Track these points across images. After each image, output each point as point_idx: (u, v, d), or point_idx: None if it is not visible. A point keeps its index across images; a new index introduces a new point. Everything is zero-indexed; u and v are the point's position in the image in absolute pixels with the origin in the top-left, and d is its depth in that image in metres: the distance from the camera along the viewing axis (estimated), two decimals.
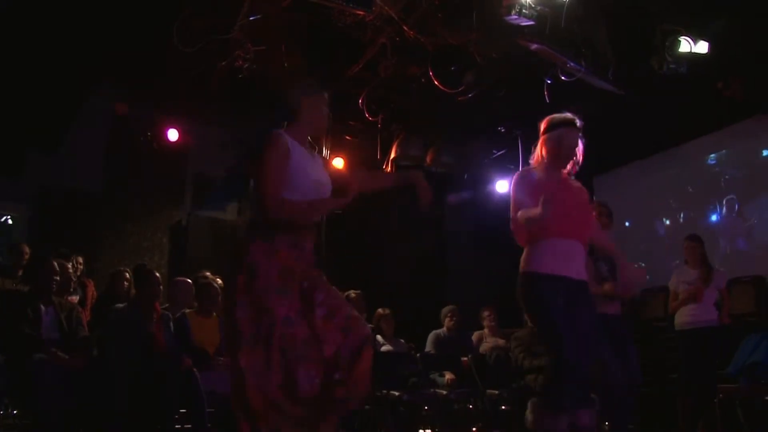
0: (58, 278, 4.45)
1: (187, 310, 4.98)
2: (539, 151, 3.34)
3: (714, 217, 7.08)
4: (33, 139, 6.66)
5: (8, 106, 5.98)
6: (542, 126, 3.35)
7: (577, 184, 3.38)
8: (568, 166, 3.33)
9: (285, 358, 2.46)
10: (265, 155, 2.56)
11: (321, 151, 3.02)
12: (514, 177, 3.33)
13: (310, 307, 2.57)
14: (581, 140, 3.32)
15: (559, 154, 3.27)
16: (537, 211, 2.95)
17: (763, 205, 6.56)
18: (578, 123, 3.33)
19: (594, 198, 6.74)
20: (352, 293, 5.87)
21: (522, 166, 7.53)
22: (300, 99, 2.75)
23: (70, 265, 5.36)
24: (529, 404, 3.19)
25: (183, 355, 4.48)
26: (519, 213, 3.13)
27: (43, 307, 4.28)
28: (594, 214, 3.40)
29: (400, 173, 2.83)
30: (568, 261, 3.12)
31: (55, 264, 4.49)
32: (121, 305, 4.74)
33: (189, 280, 5.31)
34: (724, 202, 6.97)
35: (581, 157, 3.34)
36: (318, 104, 2.79)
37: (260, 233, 2.57)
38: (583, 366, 3.02)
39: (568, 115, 3.33)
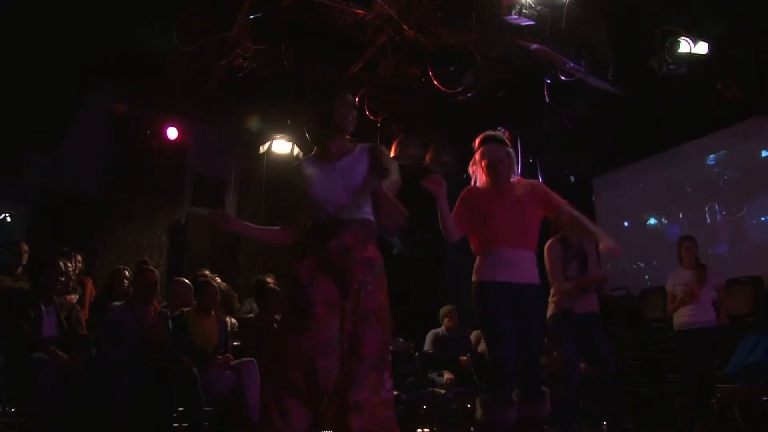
0: (63, 279, 4.46)
1: (186, 309, 4.98)
2: (469, 169, 3.61)
3: (712, 218, 7.08)
4: (32, 139, 6.66)
5: (7, 105, 5.97)
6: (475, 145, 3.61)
7: (520, 191, 3.47)
8: (504, 178, 3.48)
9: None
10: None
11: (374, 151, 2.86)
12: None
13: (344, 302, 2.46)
14: (507, 153, 3.52)
15: (485, 169, 3.48)
16: (445, 233, 3.36)
17: (762, 205, 6.56)
18: (502, 137, 3.62)
19: (593, 199, 6.78)
20: None
21: (521, 166, 7.59)
22: (318, 109, 2.72)
23: (70, 264, 5.36)
24: (477, 400, 3.38)
25: (181, 354, 4.48)
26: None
27: (44, 307, 4.28)
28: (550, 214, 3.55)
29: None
30: (510, 267, 3.32)
31: (62, 264, 4.50)
32: (117, 303, 4.73)
33: (187, 281, 5.31)
34: (722, 203, 6.97)
35: (511, 169, 3.51)
36: (336, 105, 2.68)
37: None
38: (523, 363, 3.29)
39: (492, 132, 3.64)
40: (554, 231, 4.55)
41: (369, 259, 2.53)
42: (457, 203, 3.46)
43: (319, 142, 2.73)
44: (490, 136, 3.60)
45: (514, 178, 3.58)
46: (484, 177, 3.51)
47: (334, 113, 2.67)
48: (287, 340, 2.43)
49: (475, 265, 3.43)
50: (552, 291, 4.44)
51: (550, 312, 4.43)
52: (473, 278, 3.41)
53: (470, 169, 3.60)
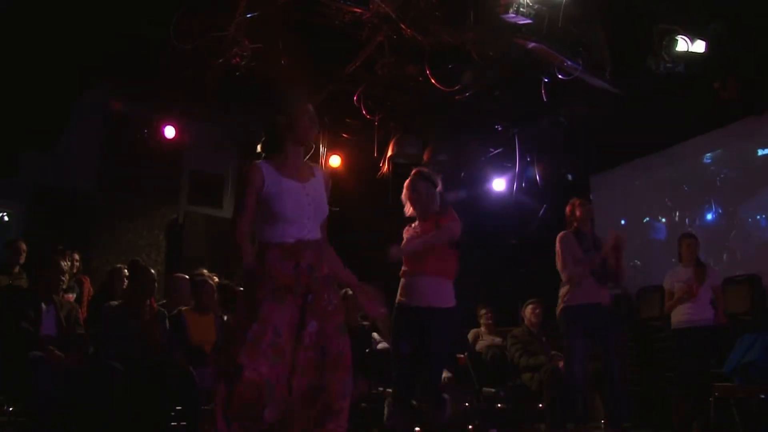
0: (64, 278, 4.46)
1: (183, 308, 4.97)
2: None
3: (709, 217, 7.10)
4: (29, 137, 6.64)
5: (4, 104, 5.96)
6: None
7: (431, 225, 3.84)
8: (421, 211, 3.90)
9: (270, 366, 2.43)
10: (238, 188, 2.67)
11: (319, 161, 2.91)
12: None
13: (301, 327, 2.52)
14: (422, 186, 3.88)
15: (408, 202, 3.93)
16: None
17: (758, 204, 6.58)
18: (420, 172, 3.95)
19: (591, 197, 6.78)
20: (349, 291, 5.87)
21: (519, 165, 7.61)
22: (278, 118, 2.67)
23: (67, 263, 5.35)
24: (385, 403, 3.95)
25: (179, 352, 4.48)
26: None
27: (44, 306, 4.28)
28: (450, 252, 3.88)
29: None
30: (415, 292, 3.76)
31: (62, 263, 4.50)
32: (114, 302, 4.73)
33: (186, 276, 5.31)
34: (719, 202, 6.98)
35: (426, 203, 3.88)
36: (297, 118, 2.67)
37: (257, 255, 2.58)
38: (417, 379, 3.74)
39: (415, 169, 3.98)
40: (569, 224, 4.64)
41: (328, 277, 2.66)
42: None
43: (277, 152, 2.69)
44: (411, 173, 3.98)
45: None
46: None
47: (298, 126, 2.67)
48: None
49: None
50: (562, 284, 4.48)
51: (559, 308, 4.49)
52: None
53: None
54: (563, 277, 4.52)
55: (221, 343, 2.49)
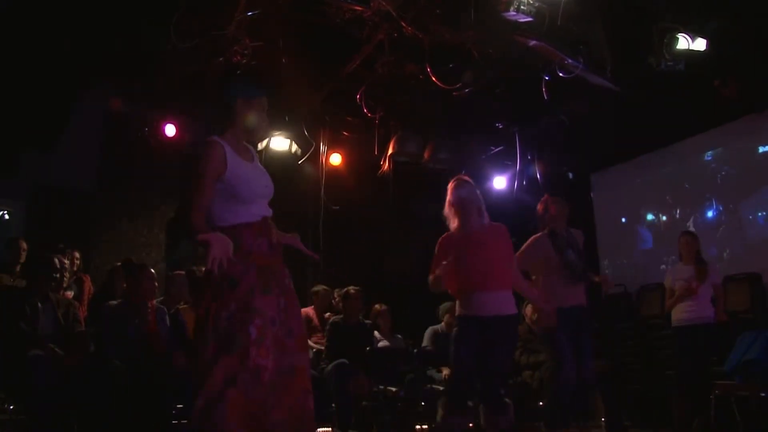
0: (58, 276, 4.45)
1: (181, 306, 4.97)
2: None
3: (710, 214, 7.10)
4: (29, 136, 6.64)
5: (3, 103, 5.95)
6: None
7: (484, 237, 3.80)
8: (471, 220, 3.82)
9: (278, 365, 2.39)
10: (199, 166, 2.47)
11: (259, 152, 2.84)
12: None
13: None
14: (465, 192, 3.86)
15: (451, 212, 3.88)
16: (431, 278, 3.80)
17: (759, 202, 6.58)
18: (459, 181, 3.93)
19: (591, 196, 6.77)
20: (351, 289, 5.88)
21: (519, 164, 7.61)
22: (235, 100, 2.61)
23: (67, 261, 5.35)
24: (438, 403, 3.93)
25: (179, 350, 4.48)
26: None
27: (40, 304, 4.28)
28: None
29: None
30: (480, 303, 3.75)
31: (56, 261, 4.49)
32: (114, 302, 4.73)
33: (183, 273, 5.30)
34: (720, 200, 6.98)
35: (470, 209, 3.83)
36: (254, 108, 2.63)
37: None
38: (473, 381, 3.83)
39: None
40: (543, 225, 4.54)
41: (282, 257, 2.62)
42: (439, 245, 3.94)
43: (230, 133, 2.63)
44: (453, 181, 3.97)
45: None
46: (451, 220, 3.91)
47: (255, 118, 2.64)
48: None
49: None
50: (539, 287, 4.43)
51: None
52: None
53: None
54: (537, 283, 4.45)
55: (217, 342, 2.33)
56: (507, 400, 3.89)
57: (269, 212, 2.61)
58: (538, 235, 4.49)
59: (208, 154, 2.48)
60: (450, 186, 3.93)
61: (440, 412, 3.94)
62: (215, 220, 2.49)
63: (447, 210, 3.91)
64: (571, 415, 4.57)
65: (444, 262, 3.65)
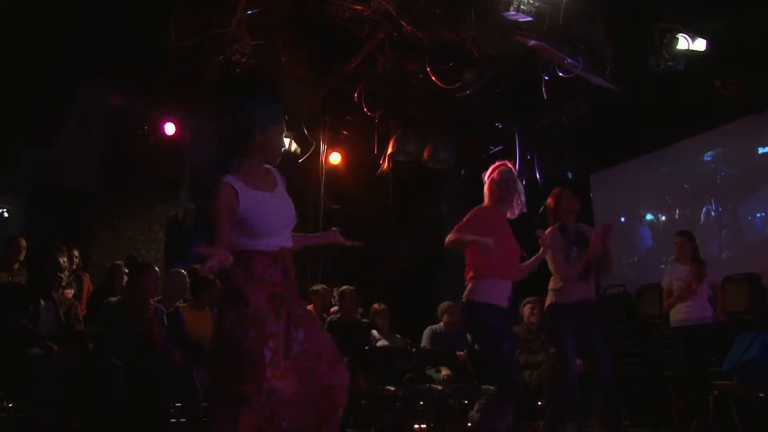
0: (62, 275, 4.45)
1: (181, 304, 4.96)
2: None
3: (709, 215, 7.10)
4: (29, 133, 6.64)
5: (3, 100, 5.95)
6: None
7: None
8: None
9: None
10: (212, 205, 2.53)
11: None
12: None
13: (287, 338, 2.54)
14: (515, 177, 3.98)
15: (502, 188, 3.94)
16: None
17: (758, 203, 6.58)
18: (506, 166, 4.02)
19: (591, 195, 6.74)
20: (346, 288, 5.88)
21: (519, 163, 7.61)
22: (253, 130, 2.61)
23: (66, 259, 5.34)
24: (476, 405, 3.78)
25: (177, 349, 4.48)
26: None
27: (43, 302, 4.28)
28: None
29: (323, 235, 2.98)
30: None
31: (62, 260, 4.49)
32: (114, 299, 4.72)
33: (183, 272, 5.30)
34: (719, 200, 6.98)
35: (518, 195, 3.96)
36: (273, 137, 2.65)
37: (238, 262, 2.51)
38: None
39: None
40: (553, 219, 4.51)
41: (295, 282, 2.67)
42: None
43: (240, 162, 2.63)
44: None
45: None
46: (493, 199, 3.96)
47: (274, 147, 2.66)
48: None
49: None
50: (552, 280, 4.41)
51: (548, 302, 4.42)
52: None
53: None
54: (553, 276, 4.43)
55: (236, 361, 2.42)
56: None
57: (289, 243, 2.65)
58: (550, 229, 4.44)
59: (217, 196, 2.53)
60: (500, 167, 4.02)
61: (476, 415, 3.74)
62: (232, 246, 2.54)
63: (497, 186, 3.95)
64: (570, 415, 4.55)
65: (488, 240, 3.59)
